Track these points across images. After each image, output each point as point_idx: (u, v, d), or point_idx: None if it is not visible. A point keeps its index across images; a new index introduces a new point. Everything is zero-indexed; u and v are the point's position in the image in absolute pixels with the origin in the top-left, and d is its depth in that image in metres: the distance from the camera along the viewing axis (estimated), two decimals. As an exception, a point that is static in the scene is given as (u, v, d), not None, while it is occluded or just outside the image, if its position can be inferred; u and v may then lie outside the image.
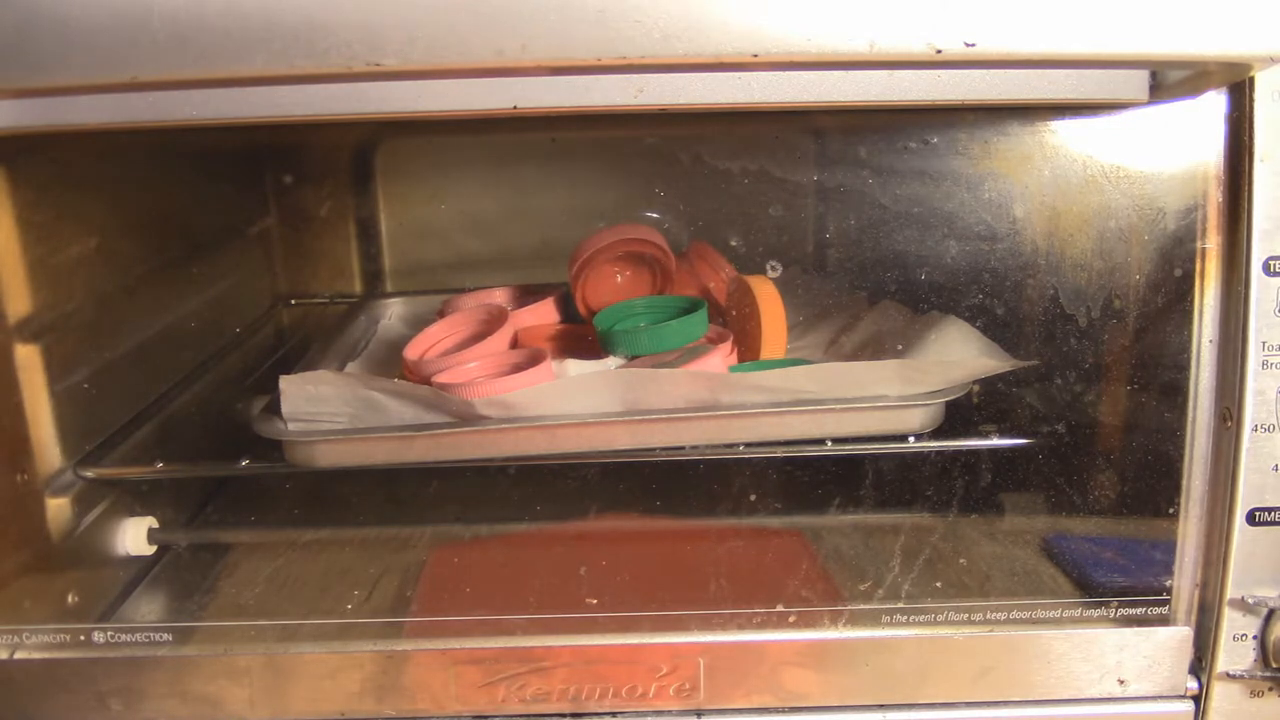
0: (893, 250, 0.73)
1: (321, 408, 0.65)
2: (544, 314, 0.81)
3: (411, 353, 0.72)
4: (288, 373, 0.66)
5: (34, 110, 0.52)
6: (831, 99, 0.53)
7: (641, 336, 0.71)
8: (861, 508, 0.72)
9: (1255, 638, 0.56)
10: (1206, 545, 0.56)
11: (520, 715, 0.58)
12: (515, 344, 0.76)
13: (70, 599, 0.63)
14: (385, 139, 1.00)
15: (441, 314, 0.82)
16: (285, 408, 0.65)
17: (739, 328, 0.75)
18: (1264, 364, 0.53)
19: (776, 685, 0.58)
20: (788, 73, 0.52)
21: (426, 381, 0.66)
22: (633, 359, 0.71)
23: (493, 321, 0.76)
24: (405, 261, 1.04)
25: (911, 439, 0.66)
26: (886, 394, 0.65)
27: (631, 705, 0.58)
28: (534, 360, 0.67)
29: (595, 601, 0.63)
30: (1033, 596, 0.62)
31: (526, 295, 0.85)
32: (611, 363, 0.71)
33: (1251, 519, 0.54)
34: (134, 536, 0.70)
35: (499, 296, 0.85)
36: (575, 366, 0.70)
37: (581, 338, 0.79)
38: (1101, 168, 0.61)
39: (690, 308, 0.73)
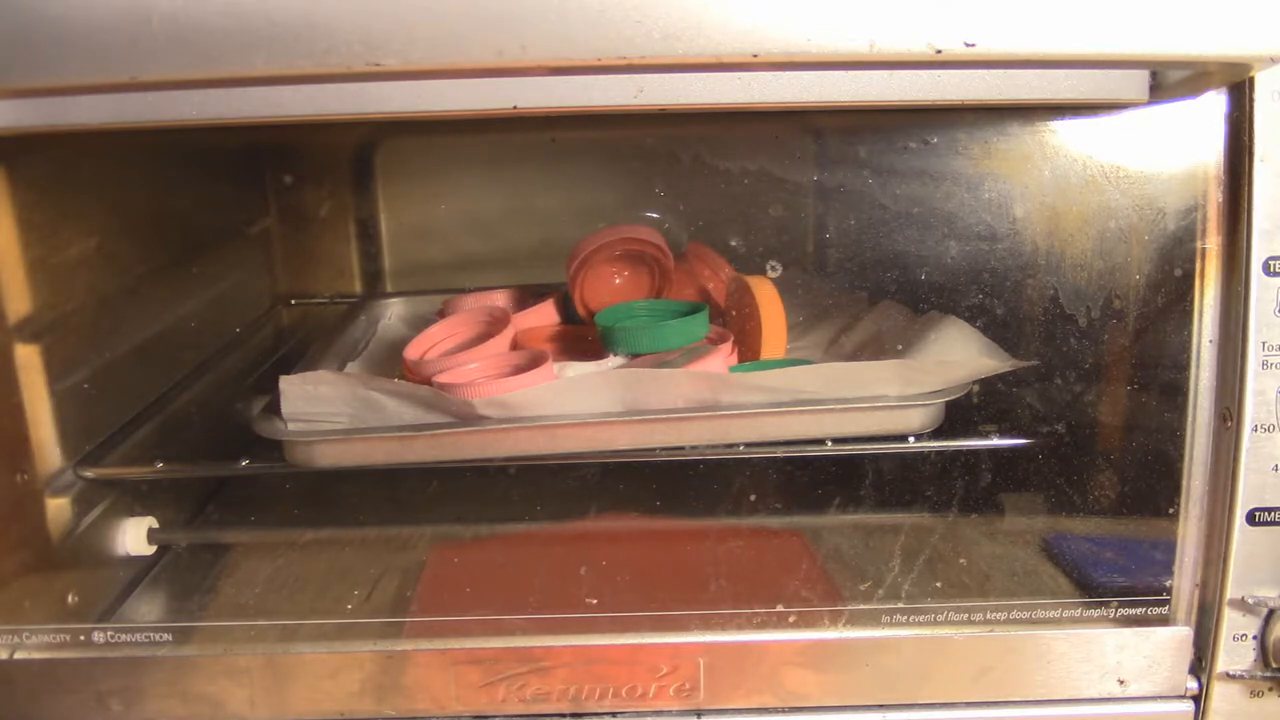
0: (893, 250, 0.73)
1: (321, 408, 0.65)
2: (544, 315, 0.81)
3: (412, 353, 0.72)
4: (288, 373, 0.66)
5: (34, 110, 0.52)
6: (831, 99, 0.53)
7: (642, 335, 0.71)
8: (861, 508, 0.72)
9: (1255, 638, 0.56)
10: (1206, 545, 0.56)
11: (520, 715, 0.58)
12: (515, 345, 0.76)
13: (70, 599, 0.63)
14: (385, 139, 1.00)
15: (442, 314, 0.82)
16: (285, 408, 0.65)
17: (739, 328, 0.75)
18: (1264, 364, 0.53)
19: (776, 685, 0.58)
20: (788, 73, 0.52)
21: (426, 382, 0.66)
22: (633, 358, 0.71)
23: (494, 323, 0.76)
24: (405, 261, 1.04)
25: (911, 439, 0.66)
26: (886, 394, 0.65)
27: (631, 705, 0.58)
28: (536, 362, 0.67)
29: (595, 601, 0.63)
30: (1033, 596, 0.62)
31: (527, 296, 0.85)
32: (611, 364, 0.71)
33: (1251, 519, 0.54)
34: (134, 536, 0.70)
35: (499, 298, 0.84)
36: (575, 368, 0.70)
37: (581, 338, 0.79)
38: (1101, 168, 0.61)
39: (691, 311, 0.73)
